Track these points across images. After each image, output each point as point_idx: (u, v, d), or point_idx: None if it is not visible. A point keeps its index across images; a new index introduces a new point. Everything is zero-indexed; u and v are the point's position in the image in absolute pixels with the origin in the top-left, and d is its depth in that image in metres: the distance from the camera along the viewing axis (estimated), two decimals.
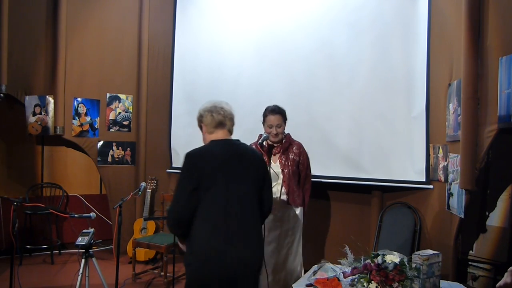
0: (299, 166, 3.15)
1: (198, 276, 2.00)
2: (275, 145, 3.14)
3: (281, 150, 3.12)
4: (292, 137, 3.32)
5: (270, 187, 2.31)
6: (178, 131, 5.21)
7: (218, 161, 2.11)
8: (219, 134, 2.24)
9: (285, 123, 3.13)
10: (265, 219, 2.33)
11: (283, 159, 3.11)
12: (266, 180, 2.26)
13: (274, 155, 3.13)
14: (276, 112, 3.09)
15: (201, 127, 2.36)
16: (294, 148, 3.15)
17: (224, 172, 2.09)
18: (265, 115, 3.13)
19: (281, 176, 3.10)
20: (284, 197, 3.09)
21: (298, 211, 3.18)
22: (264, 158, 2.67)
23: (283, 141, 3.15)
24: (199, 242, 2.00)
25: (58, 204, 5.18)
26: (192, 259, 2.02)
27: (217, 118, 2.23)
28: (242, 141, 2.33)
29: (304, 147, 3.27)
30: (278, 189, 3.07)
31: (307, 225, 4.46)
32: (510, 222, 3.35)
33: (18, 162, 5.15)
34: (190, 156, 2.15)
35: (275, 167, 3.10)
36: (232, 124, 2.27)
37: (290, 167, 3.09)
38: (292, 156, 3.12)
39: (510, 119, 2.46)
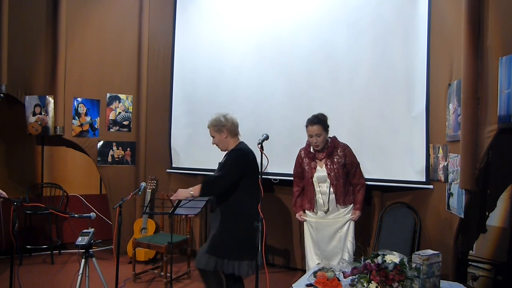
0: (345, 166, 3.28)
1: (243, 233, 2.83)
2: (320, 151, 3.31)
3: (326, 155, 3.28)
4: (329, 138, 3.45)
5: None
6: (178, 131, 5.21)
7: (253, 158, 2.92)
8: (239, 138, 3.04)
9: (326, 131, 3.25)
10: None
11: (329, 163, 3.27)
12: None
13: (320, 160, 3.30)
14: (314, 123, 3.22)
15: (220, 131, 2.99)
16: (339, 150, 3.28)
17: (254, 167, 2.86)
18: (306, 125, 3.28)
19: (328, 179, 3.27)
20: (332, 196, 3.27)
21: (347, 210, 3.31)
22: (266, 159, 2.76)
23: (327, 146, 3.29)
24: (246, 211, 2.83)
25: (58, 204, 5.18)
26: (241, 219, 2.83)
27: (236, 124, 3.00)
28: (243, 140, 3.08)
29: (349, 146, 3.37)
30: (326, 191, 3.28)
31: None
32: (510, 222, 3.35)
33: (18, 162, 5.16)
34: (244, 153, 2.92)
35: (321, 171, 3.28)
36: None
37: (336, 170, 3.24)
38: (337, 159, 3.26)
39: (510, 119, 2.46)
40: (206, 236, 5.13)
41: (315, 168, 3.31)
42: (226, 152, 3.08)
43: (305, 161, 3.37)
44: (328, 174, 3.25)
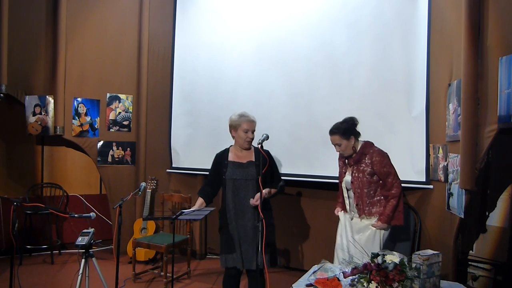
0: (374, 175, 3.03)
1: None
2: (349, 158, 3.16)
3: (353, 162, 3.09)
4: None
5: None
6: (178, 131, 5.21)
7: None
8: None
9: (347, 138, 3.04)
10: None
11: (355, 170, 3.08)
12: None
13: (350, 166, 3.14)
14: (332, 133, 3.10)
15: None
16: (366, 158, 3.04)
17: None
18: None
19: (351, 187, 3.11)
20: (354, 207, 3.10)
21: (373, 220, 3.04)
22: (265, 158, 2.82)
23: (354, 154, 3.10)
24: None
25: (58, 204, 5.18)
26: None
27: None
28: None
29: (381, 154, 3.04)
30: (350, 200, 3.14)
31: (308, 225, 4.47)
32: (510, 222, 3.35)
33: (18, 162, 5.16)
34: None
35: (349, 177, 3.13)
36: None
37: (360, 179, 3.05)
38: (363, 168, 3.05)
39: (510, 119, 2.46)
40: (206, 236, 5.13)
41: (345, 173, 3.17)
42: (245, 150, 3.16)
43: (340, 164, 3.25)
44: (352, 182, 3.06)
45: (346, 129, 3.05)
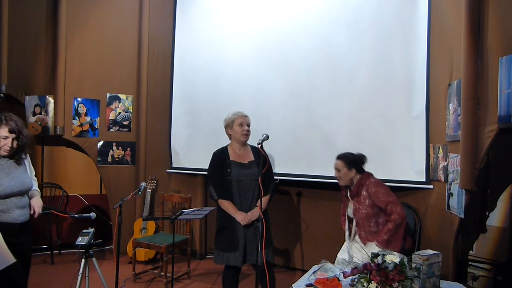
0: (376, 206, 3.03)
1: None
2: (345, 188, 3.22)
3: (353, 195, 3.13)
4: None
5: None
6: (178, 131, 5.21)
7: None
8: None
9: (349, 168, 3.11)
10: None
11: (356, 203, 3.10)
12: None
13: (352, 198, 3.16)
14: (338, 157, 3.17)
15: None
16: (363, 191, 3.07)
17: None
18: None
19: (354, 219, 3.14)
20: (357, 238, 3.12)
21: (375, 248, 2.97)
22: (266, 158, 2.85)
23: (353, 185, 3.12)
24: None
25: (58, 204, 5.18)
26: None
27: None
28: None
29: (377, 185, 3.06)
30: (353, 232, 3.15)
31: (308, 225, 4.47)
32: (510, 222, 3.35)
33: None
34: None
35: (351, 210, 3.15)
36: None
37: (360, 211, 3.06)
38: (363, 200, 3.08)
39: (510, 119, 2.46)
40: (206, 236, 5.13)
41: (347, 206, 3.23)
42: (242, 147, 3.23)
43: (343, 198, 3.29)
44: (354, 214, 3.10)
45: (352, 160, 3.12)
